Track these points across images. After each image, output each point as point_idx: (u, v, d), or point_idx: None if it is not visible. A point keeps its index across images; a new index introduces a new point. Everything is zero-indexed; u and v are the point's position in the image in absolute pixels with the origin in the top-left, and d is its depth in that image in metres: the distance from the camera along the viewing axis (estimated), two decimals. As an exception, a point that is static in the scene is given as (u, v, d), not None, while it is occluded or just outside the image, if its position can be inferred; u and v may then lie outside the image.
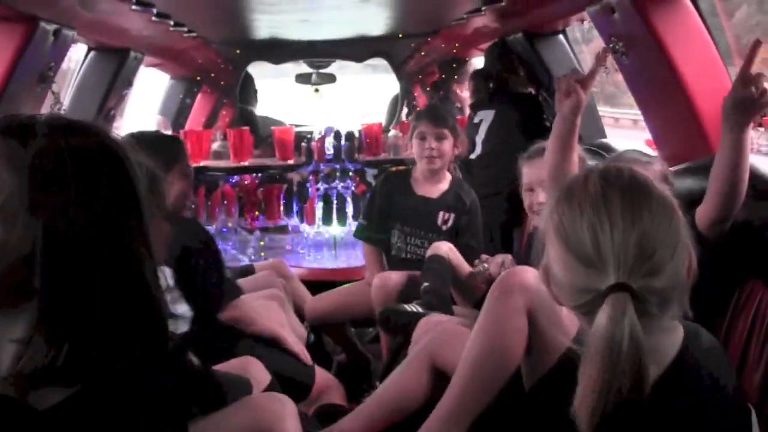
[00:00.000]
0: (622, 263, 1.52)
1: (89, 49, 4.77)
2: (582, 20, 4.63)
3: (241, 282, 4.28)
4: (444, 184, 4.33)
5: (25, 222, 1.29)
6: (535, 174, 3.38)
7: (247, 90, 7.24)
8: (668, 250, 1.54)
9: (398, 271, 4.15)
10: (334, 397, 3.63)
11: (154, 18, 4.17)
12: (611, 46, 3.78)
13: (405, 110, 7.46)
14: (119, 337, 1.34)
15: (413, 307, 3.67)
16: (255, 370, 3.10)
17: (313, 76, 7.49)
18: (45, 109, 3.97)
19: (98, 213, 1.34)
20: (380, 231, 4.37)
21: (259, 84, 7.51)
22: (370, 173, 6.05)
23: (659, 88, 3.63)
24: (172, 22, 4.50)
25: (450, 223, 4.26)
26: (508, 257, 3.78)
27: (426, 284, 3.75)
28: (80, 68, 4.79)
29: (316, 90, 7.61)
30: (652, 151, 3.53)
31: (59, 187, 1.31)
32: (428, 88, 7.28)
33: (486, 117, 5.25)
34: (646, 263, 1.52)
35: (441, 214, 4.26)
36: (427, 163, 4.26)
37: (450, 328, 3.15)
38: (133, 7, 3.82)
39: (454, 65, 6.90)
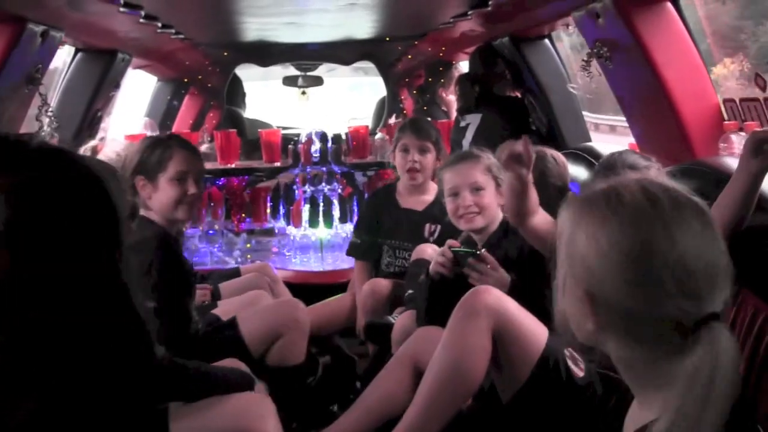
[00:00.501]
0: (719, 288, 1.39)
1: (77, 51, 4.77)
2: (567, 25, 4.67)
3: (228, 284, 4.30)
4: (429, 196, 4.34)
5: None
6: (459, 178, 3.40)
7: (235, 92, 7.23)
8: (730, 272, 1.42)
9: (388, 279, 4.18)
10: (295, 340, 3.58)
11: (142, 20, 4.17)
12: (596, 51, 3.81)
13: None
14: (98, 366, 1.34)
15: (396, 318, 3.70)
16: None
17: (300, 79, 7.50)
18: (33, 110, 3.97)
19: (76, 247, 1.33)
20: (371, 248, 4.42)
21: (247, 86, 7.51)
22: (357, 176, 6.07)
23: (643, 93, 3.67)
24: (159, 24, 4.50)
25: (437, 234, 4.23)
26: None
27: (409, 292, 3.77)
28: (68, 69, 4.79)
29: (303, 92, 7.61)
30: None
31: (34, 222, 1.30)
32: (414, 92, 7.30)
33: (473, 121, 5.28)
34: (727, 288, 1.40)
35: (427, 226, 4.25)
36: (409, 178, 4.29)
37: (430, 330, 3.17)
38: (122, 9, 3.83)
39: (441, 69, 6.92)
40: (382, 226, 4.39)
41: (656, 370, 1.41)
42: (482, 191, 3.34)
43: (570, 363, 2.61)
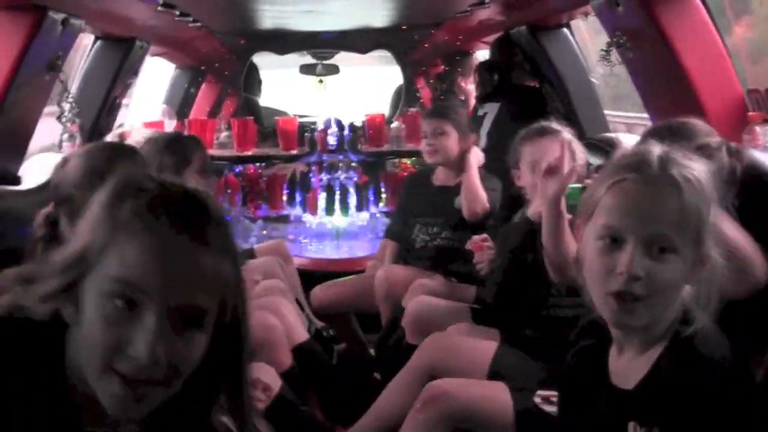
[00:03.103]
0: None
1: (96, 38, 4.79)
2: (586, 14, 4.64)
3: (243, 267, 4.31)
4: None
5: None
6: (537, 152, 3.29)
7: (251, 80, 7.22)
8: None
9: (404, 266, 4.21)
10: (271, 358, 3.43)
11: (159, 8, 4.18)
12: (615, 40, 3.79)
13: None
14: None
15: None
16: (266, 376, 3.12)
17: (317, 67, 7.50)
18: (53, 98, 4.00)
19: None
20: (401, 227, 4.48)
21: (263, 74, 7.51)
22: (373, 164, 6.09)
23: (664, 83, 3.64)
24: (177, 12, 4.50)
25: None
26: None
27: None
28: (87, 57, 4.81)
29: (320, 81, 7.62)
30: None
31: None
32: (431, 81, 7.28)
33: (490, 110, 5.26)
34: None
35: (457, 198, 4.22)
36: (427, 157, 4.34)
37: (443, 338, 3.18)
38: (140, -4, 3.84)
39: (459, 58, 6.90)
40: (416, 206, 4.42)
41: None
42: None
43: (544, 407, 2.60)
